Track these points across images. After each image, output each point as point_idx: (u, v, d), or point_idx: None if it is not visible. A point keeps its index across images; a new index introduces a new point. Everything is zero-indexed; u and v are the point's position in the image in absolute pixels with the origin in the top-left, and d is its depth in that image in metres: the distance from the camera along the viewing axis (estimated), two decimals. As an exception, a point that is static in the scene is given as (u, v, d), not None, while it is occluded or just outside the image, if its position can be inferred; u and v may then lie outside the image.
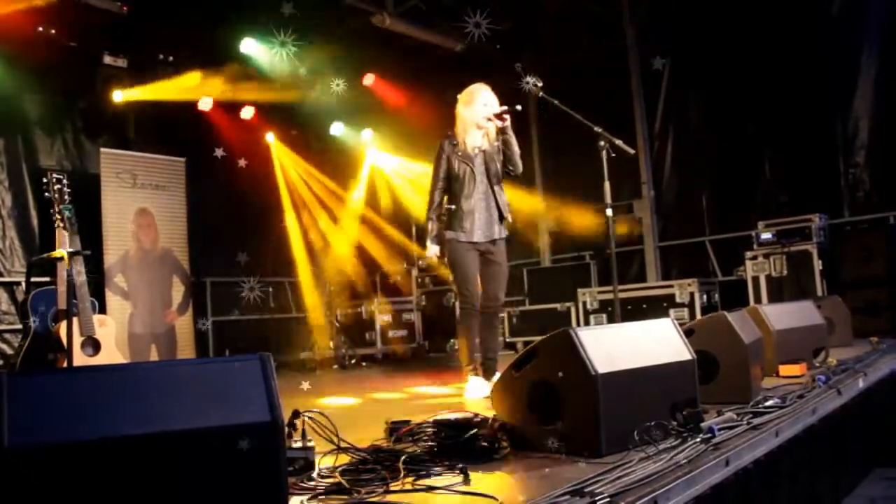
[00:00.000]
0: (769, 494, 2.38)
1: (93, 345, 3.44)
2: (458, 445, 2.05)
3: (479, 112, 3.79)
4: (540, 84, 3.66)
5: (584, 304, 6.71)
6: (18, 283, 5.89)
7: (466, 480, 1.79)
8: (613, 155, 3.55)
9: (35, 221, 6.12)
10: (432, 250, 3.80)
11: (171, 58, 6.78)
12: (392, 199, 8.60)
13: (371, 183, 8.62)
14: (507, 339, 7.23)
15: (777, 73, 6.10)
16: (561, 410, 2.05)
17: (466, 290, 3.75)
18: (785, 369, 3.26)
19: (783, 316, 3.45)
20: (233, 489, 1.40)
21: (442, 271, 7.67)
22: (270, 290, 7.26)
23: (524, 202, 7.76)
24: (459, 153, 3.81)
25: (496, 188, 3.83)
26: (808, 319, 3.64)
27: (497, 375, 3.70)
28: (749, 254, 5.76)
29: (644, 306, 6.22)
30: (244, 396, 1.46)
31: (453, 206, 3.76)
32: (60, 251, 3.23)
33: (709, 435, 2.04)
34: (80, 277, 3.29)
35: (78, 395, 1.34)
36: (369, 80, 7.71)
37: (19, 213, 6.07)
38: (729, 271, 6.37)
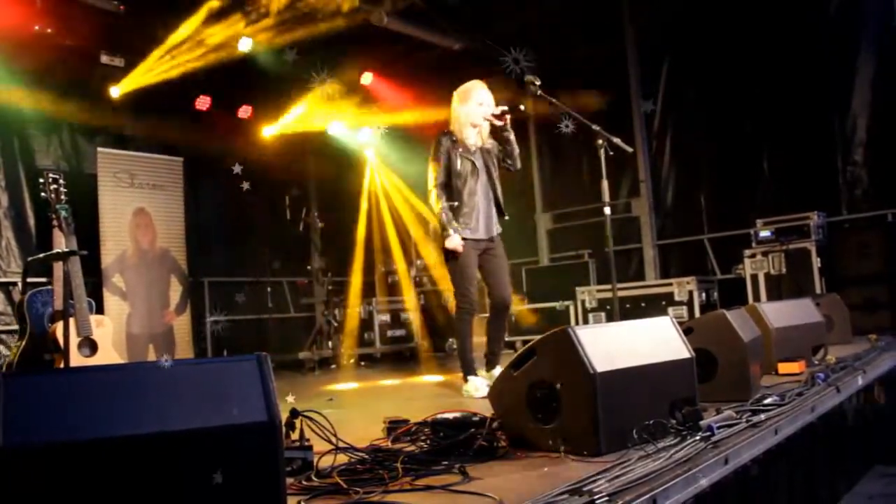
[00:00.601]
0: (768, 492, 2.38)
1: (90, 345, 3.42)
2: (457, 445, 2.05)
3: (474, 110, 3.79)
4: (538, 82, 3.66)
5: (583, 302, 6.71)
6: (15, 284, 5.87)
7: (465, 480, 1.79)
8: (612, 153, 3.54)
9: (32, 222, 6.10)
10: (455, 240, 3.69)
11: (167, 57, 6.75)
12: (389, 197, 8.59)
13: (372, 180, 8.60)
14: (506, 338, 7.21)
15: (775, 71, 6.10)
16: (560, 409, 2.05)
17: (466, 289, 3.75)
18: (784, 367, 3.26)
19: (782, 314, 3.45)
20: (230, 490, 1.39)
21: (437, 271, 7.67)
22: (269, 290, 7.24)
23: (523, 201, 7.77)
24: (460, 149, 3.81)
25: (494, 185, 3.85)
26: (807, 317, 3.63)
27: (496, 369, 3.72)
28: (748, 252, 5.76)
29: (643, 305, 6.21)
30: (242, 397, 1.45)
31: (455, 203, 3.75)
32: (57, 251, 3.22)
33: (708, 433, 2.04)
34: (77, 278, 3.28)
35: (75, 395, 1.34)
36: (367, 79, 7.69)
37: (16, 214, 6.05)
38: (727, 269, 6.37)
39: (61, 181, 3.41)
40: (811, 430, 2.60)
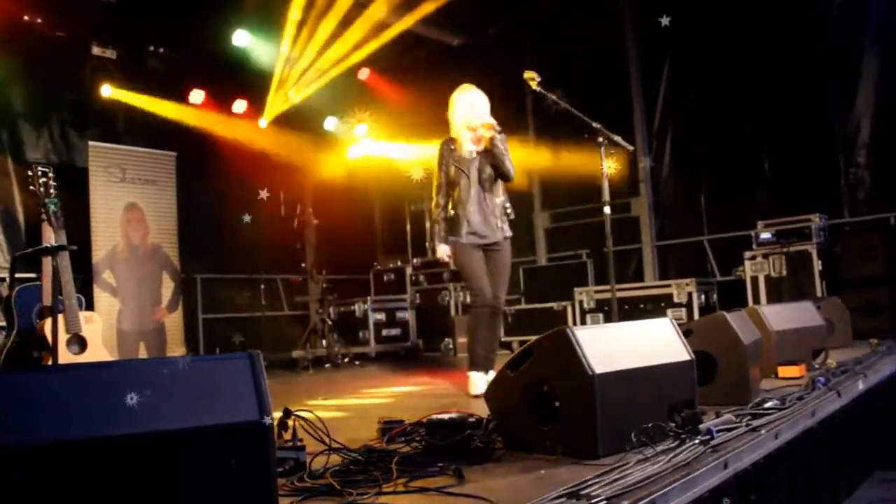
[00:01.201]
0: (767, 498, 2.34)
1: (79, 342, 3.37)
2: (452, 446, 2.03)
3: (461, 117, 3.80)
4: (538, 79, 3.62)
5: (581, 303, 6.68)
6: (3, 279, 5.79)
7: (460, 482, 1.76)
8: (612, 152, 3.51)
9: (21, 216, 6.02)
10: (442, 250, 3.83)
11: (161, 49, 6.69)
12: (386, 193, 8.56)
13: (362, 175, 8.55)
14: (503, 339, 7.18)
15: (776, 71, 6.08)
16: (557, 411, 2.02)
17: (477, 286, 3.74)
18: (784, 370, 3.24)
19: (782, 317, 3.43)
20: (221, 490, 1.37)
21: (433, 270, 7.63)
22: (262, 287, 7.19)
23: (520, 199, 7.73)
24: (456, 158, 3.83)
25: (491, 191, 3.81)
26: (808, 320, 3.61)
27: (491, 374, 3.70)
28: (748, 254, 5.74)
29: (641, 306, 6.18)
30: (233, 395, 1.44)
31: (453, 212, 3.80)
32: (46, 246, 3.16)
33: (707, 437, 2.02)
34: (67, 273, 3.22)
35: (63, 393, 1.31)
36: (364, 74, 7.65)
37: (4, 208, 5.97)
38: (727, 271, 6.34)
39: (51, 175, 3.37)
40: (811, 434, 2.57)
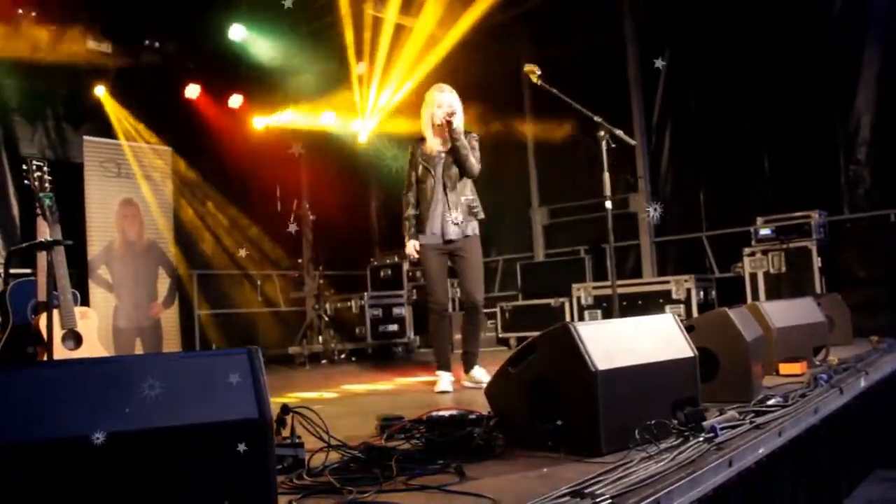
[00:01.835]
0: (770, 497, 2.33)
1: (74, 338, 3.34)
2: (453, 443, 2.01)
3: (428, 115, 3.83)
4: (538, 72, 3.59)
5: (579, 299, 6.66)
6: (-2, 274, 5.75)
7: (461, 480, 1.74)
8: (614, 146, 3.48)
9: (16, 211, 5.98)
10: (410, 245, 3.92)
11: (157, 43, 6.64)
12: (385, 192, 8.50)
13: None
14: (500, 335, 7.16)
15: (776, 67, 6.06)
16: (559, 408, 2.00)
17: (431, 291, 3.91)
18: (785, 367, 3.23)
19: (784, 313, 3.42)
20: (219, 488, 1.35)
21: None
22: (259, 283, 7.15)
23: (518, 194, 7.70)
24: (423, 158, 3.88)
25: (455, 189, 3.82)
26: (809, 317, 3.60)
27: (475, 370, 3.88)
28: (747, 250, 5.71)
29: (640, 302, 6.17)
30: (231, 392, 1.41)
31: (417, 211, 3.89)
32: (41, 241, 3.12)
33: (711, 434, 2.00)
34: (62, 268, 3.19)
35: (59, 390, 1.30)
36: (361, 68, 7.59)
37: (-1, 203, 5.93)
38: (726, 268, 6.32)
39: (45, 169, 3.34)
40: (814, 432, 2.55)
